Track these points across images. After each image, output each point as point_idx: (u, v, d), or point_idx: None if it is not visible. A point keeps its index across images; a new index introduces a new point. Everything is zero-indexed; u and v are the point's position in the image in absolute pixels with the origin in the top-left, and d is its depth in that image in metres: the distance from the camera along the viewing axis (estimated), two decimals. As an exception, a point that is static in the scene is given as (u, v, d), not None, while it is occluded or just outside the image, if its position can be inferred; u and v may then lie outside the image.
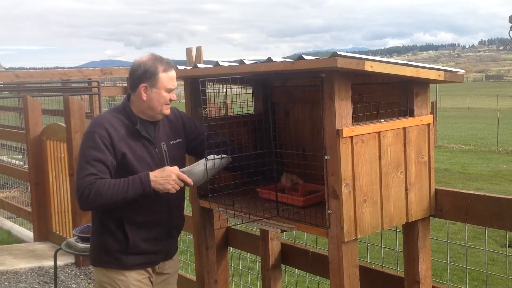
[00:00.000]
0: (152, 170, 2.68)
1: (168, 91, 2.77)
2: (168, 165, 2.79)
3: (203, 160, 2.75)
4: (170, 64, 2.81)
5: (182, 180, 2.67)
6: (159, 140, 2.86)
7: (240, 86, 3.23)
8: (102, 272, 2.86)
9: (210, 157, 2.76)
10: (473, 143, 21.04)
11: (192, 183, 2.71)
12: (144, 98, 2.75)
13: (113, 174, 2.67)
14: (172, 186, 2.64)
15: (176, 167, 2.68)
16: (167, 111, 2.82)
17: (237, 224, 2.80)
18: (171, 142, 2.91)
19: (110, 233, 2.81)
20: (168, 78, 2.76)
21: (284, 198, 2.86)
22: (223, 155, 2.80)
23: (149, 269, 2.91)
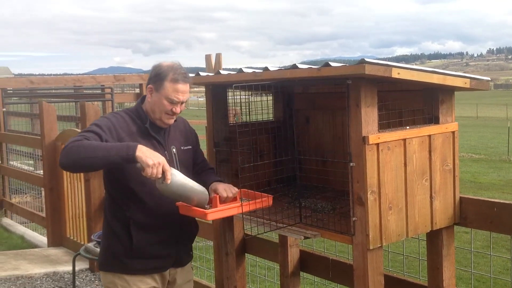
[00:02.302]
0: None
1: (170, 101, 2.70)
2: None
3: (190, 179, 2.65)
4: (183, 77, 2.71)
5: (163, 172, 2.48)
6: (169, 143, 2.83)
7: (249, 93, 3.21)
8: (107, 277, 2.80)
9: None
10: (483, 152, 20.93)
11: (168, 182, 2.50)
12: (149, 99, 2.77)
13: None
14: (151, 167, 2.43)
15: (165, 160, 2.52)
16: (167, 120, 2.76)
17: (264, 233, 2.77)
18: (182, 148, 2.88)
19: (116, 235, 2.76)
20: (172, 89, 2.69)
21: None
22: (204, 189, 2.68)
23: (157, 277, 2.81)
